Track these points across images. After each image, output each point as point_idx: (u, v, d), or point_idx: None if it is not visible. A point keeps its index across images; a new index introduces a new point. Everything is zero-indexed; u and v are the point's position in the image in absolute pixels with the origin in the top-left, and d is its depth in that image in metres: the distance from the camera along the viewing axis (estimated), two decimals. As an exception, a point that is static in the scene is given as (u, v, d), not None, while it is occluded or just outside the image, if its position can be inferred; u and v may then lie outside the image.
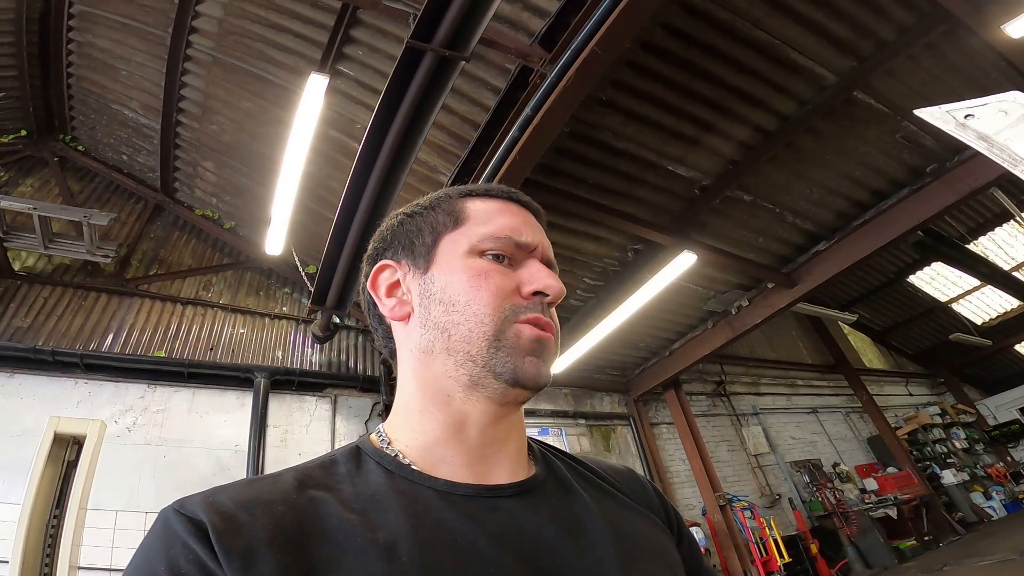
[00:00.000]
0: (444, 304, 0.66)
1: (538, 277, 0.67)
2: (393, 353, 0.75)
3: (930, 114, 1.38)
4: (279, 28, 4.86)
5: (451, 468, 0.63)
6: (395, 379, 0.73)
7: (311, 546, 0.51)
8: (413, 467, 0.63)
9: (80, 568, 3.19)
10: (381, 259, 0.75)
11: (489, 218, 0.71)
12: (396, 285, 0.72)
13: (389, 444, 0.66)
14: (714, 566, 7.25)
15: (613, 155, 5.03)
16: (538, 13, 3.94)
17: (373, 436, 0.70)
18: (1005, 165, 1.37)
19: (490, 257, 0.68)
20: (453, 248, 0.69)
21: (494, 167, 3.99)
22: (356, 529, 0.53)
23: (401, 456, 0.64)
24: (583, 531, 0.62)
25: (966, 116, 1.37)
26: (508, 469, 0.66)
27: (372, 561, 0.50)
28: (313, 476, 0.60)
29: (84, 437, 3.46)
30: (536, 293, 0.67)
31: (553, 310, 0.70)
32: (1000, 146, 1.31)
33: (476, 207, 0.73)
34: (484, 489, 0.62)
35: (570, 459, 0.79)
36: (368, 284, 0.75)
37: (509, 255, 0.69)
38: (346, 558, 0.50)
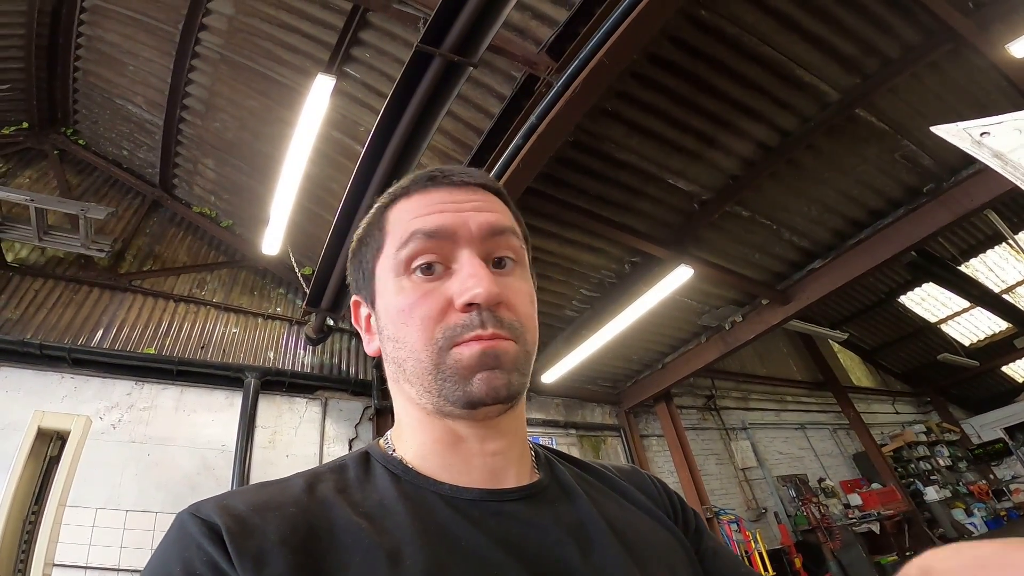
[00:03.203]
0: (391, 340, 0.64)
1: (467, 284, 0.59)
2: None
3: (946, 131, 1.39)
4: (289, 28, 4.86)
5: (453, 474, 0.64)
6: (386, 384, 0.72)
7: (320, 548, 0.52)
8: (419, 472, 0.63)
9: (56, 565, 3.14)
10: (353, 293, 0.74)
11: (402, 225, 0.65)
12: (369, 318, 0.71)
13: (394, 451, 0.67)
14: None
15: (614, 166, 5.04)
16: (547, 22, 3.96)
17: (381, 441, 0.71)
18: (1019, 183, 1.38)
19: (418, 273, 0.62)
20: (385, 276, 0.66)
21: (496, 174, 3.99)
22: (364, 533, 0.54)
23: (406, 461, 0.65)
24: (587, 536, 0.62)
25: (982, 134, 1.38)
26: (512, 474, 0.66)
27: (378, 565, 0.51)
28: (323, 480, 0.61)
29: (68, 432, 3.41)
30: (471, 304, 0.59)
31: (515, 294, 0.63)
32: (1014, 164, 1.32)
33: (395, 216, 0.67)
34: (488, 494, 0.63)
35: (574, 463, 0.79)
36: (353, 320, 0.74)
37: (433, 256, 0.62)
38: (354, 561, 0.51)
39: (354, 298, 0.73)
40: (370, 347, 0.71)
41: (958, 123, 1.44)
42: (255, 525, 0.51)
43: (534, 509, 0.63)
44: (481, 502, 0.61)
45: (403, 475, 0.63)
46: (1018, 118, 1.32)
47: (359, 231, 0.73)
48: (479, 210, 0.65)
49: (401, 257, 0.63)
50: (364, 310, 0.72)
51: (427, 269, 0.62)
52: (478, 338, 0.59)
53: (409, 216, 0.66)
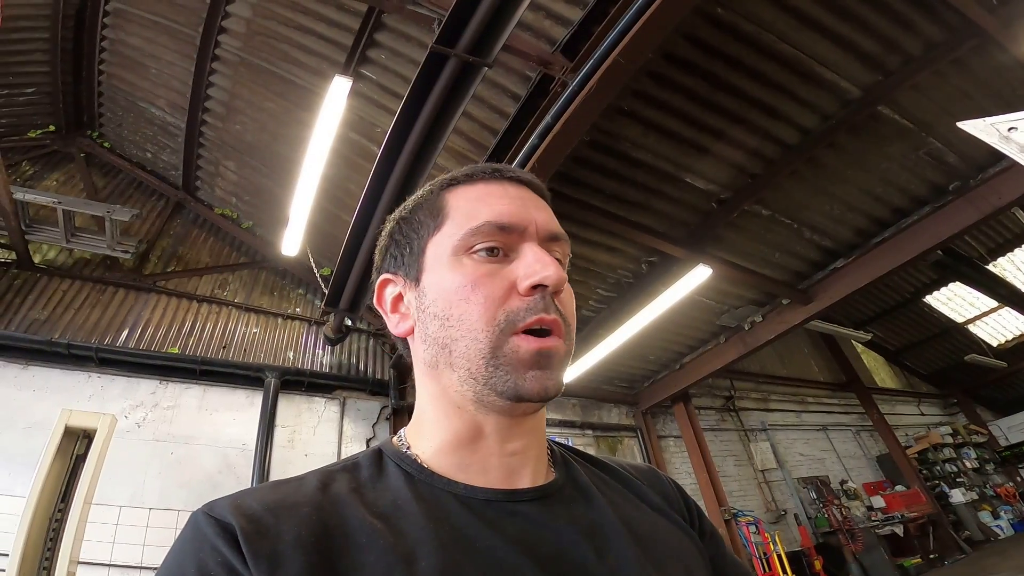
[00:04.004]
0: (439, 319, 0.62)
1: (534, 268, 0.61)
2: (412, 361, 0.73)
3: (973, 126, 1.36)
4: (305, 30, 4.91)
5: (469, 473, 0.63)
6: (404, 384, 0.72)
7: (335, 549, 0.51)
8: (433, 471, 0.63)
9: (80, 563, 3.19)
10: (382, 272, 0.73)
11: (469, 209, 0.66)
12: (399, 298, 0.70)
13: (408, 448, 0.66)
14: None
15: (631, 165, 5.01)
16: (561, 22, 3.96)
17: (394, 439, 0.70)
18: (1047, 180, 1.34)
19: (480, 254, 0.62)
20: (439, 253, 0.65)
21: (512, 174, 3.98)
22: (379, 534, 0.53)
23: (421, 460, 0.64)
24: (602, 536, 0.61)
25: (1010, 129, 1.35)
26: (528, 474, 0.65)
27: (393, 565, 0.51)
28: (337, 479, 0.61)
29: (94, 431, 3.46)
30: (536, 287, 0.61)
31: (567, 294, 0.65)
32: (1042, 161, 1.28)
33: (457, 198, 0.68)
34: (503, 494, 0.62)
35: (590, 461, 0.79)
36: (375, 300, 0.73)
37: (499, 244, 0.63)
38: (368, 562, 0.51)
39: (384, 276, 0.72)
40: (399, 327, 0.70)
41: (985, 118, 1.40)
42: (269, 525, 0.51)
43: (549, 510, 0.62)
44: (496, 503, 0.61)
45: (417, 474, 0.62)
46: (1046, 114, 1.29)
47: (403, 211, 0.74)
48: (540, 210, 0.68)
49: (466, 238, 0.63)
50: (393, 289, 0.71)
51: (491, 251, 0.63)
52: (540, 321, 0.60)
53: (477, 202, 0.66)
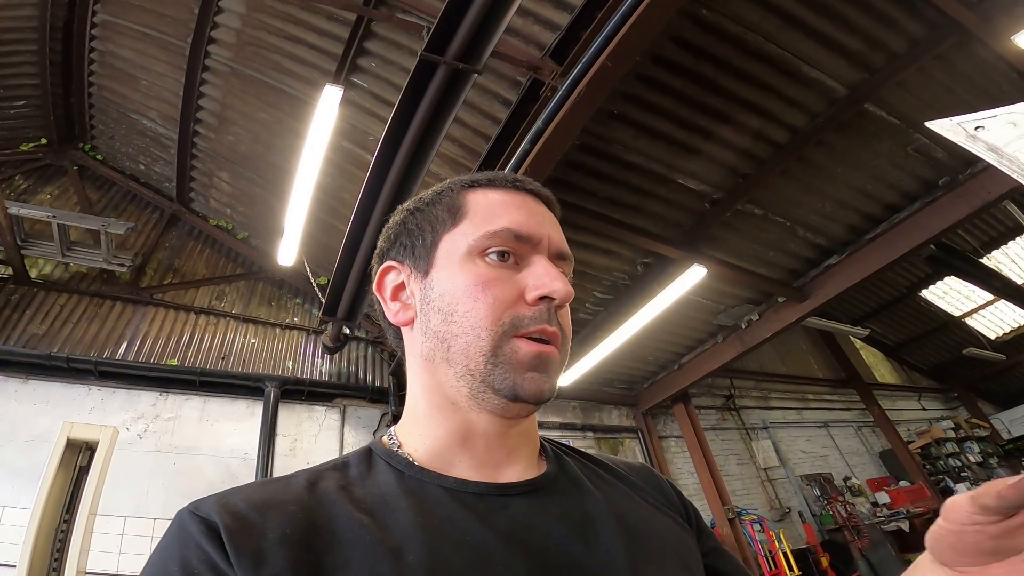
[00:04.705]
0: (443, 313, 0.64)
1: (543, 280, 0.63)
2: (404, 353, 0.73)
3: (941, 126, 1.38)
4: (295, 40, 4.93)
5: (460, 468, 0.64)
6: (404, 391, 0.73)
7: (321, 546, 0.51)
8: (423, 467, 0.63)
9: (87, 573, 3.20)
10: (386, 259, 0.73)
11: (489, 212, 0.67)
12: (401, 287, 0.71)
13: (399, 447, 0.67)
14: None
15: (623, 168, 5.02)
16: (549, 26, 3.98)
17: (384, 438, 0.70)
18: (1015, 176, 1.36)
19: (492, 257, 0.64)
20: (452, 249, 0.66)
21: (505, 179, 4.00)
22: (365, 529, 0.53)
23: (411, 458, 0.65)
24: (593, 529, 0.62)
25: (976, 128, 1.37)
26: (519, 468, 0.66)
27: (380, 561, 0.51)
28: (325, 478, 0.61)
29: (97, 443, 3.49)
30: (542, 298, 0.63)
31: (566, 310, 0.67)
32: (1010, 157, 1.31)
33: (477, 200, 0.69)
34: (494, 487, 0.63)
35: (583, 457, 0.79)
36: (374, 286, 0.74)
37: (512, 251, 0.65)
38: (355, 558, 0.51)
39: (388, 263, 0.73)
40: (399, 316, 0.70)
41: (952, 117, 1.43)
42: (254, 523, 0.51)
43: (541, 502, 0.63)
44: (487, 496, 0.61)
45: (406, 471, 0.63)
46: (1012, 111, 1.31)
47: (418, 203, 0.74)
48: (554, 228, 0.71)
49: (482, 240, 0.65)
50: (396, 277, 0.71)
51: (502, 256, 0.65)
52: (543, 331, 0.62)
53: (498, 207, 0.68)
